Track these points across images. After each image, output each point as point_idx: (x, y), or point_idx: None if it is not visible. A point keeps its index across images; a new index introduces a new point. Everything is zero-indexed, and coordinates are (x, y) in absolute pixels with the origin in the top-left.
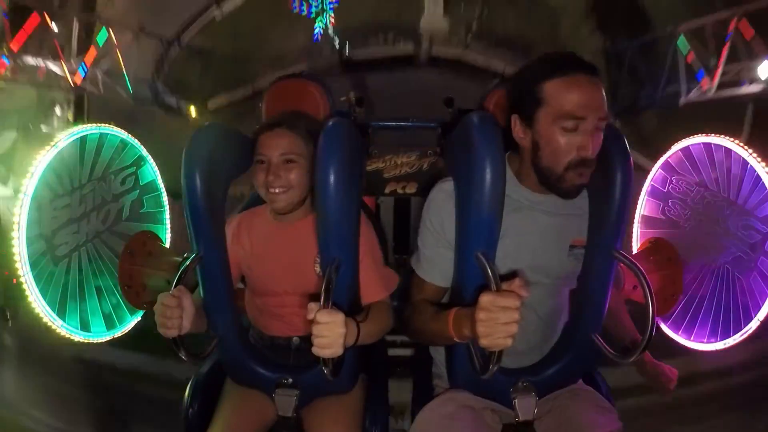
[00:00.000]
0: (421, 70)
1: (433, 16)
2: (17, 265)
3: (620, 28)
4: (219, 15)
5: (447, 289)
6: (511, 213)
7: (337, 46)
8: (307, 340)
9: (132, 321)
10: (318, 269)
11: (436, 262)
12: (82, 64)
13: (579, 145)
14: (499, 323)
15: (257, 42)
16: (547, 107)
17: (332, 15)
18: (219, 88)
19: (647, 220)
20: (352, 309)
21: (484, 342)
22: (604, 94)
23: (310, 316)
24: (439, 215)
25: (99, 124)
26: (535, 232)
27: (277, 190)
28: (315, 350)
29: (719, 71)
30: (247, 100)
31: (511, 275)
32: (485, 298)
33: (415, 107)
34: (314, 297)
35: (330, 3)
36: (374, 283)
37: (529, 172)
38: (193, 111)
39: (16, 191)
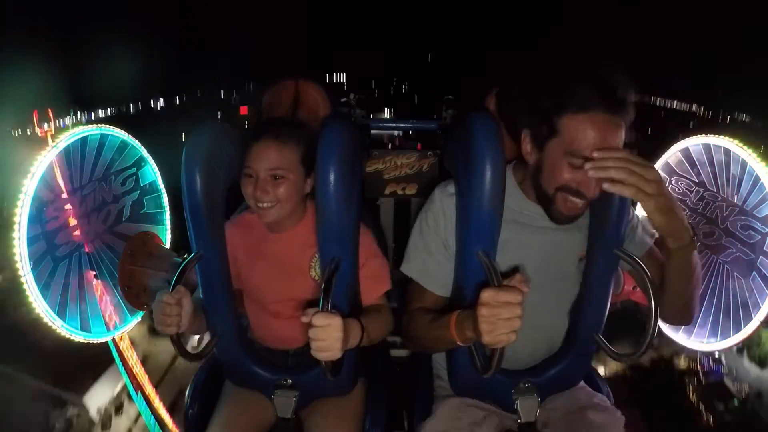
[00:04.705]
0: None
1: None
2: (18, 265)
3: None
4: None
5: (446, 299)
6: (513, 227)
7: None
8: (303, 349)
9: (132, 321)
10: (313, 274)
11: (437, 271)
12: None
13: (580, 181)
14: (501, 319)
15: None
16: (560, 140)
17: None
18: None
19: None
20: (353, 308)
21: (486, 339)
22: (623, 131)
23: (306, 320)
24: (440, 216)
25: (100, 125)
26: (538, 246)
27: (265, 205)
28: (313, 353)
29: None
30: None
31: (512, 272)
32: (487, 294)
33: None
34: (312, 303)
35: None
36: (373, 280)
37: (531, 185)
38: None
39: None
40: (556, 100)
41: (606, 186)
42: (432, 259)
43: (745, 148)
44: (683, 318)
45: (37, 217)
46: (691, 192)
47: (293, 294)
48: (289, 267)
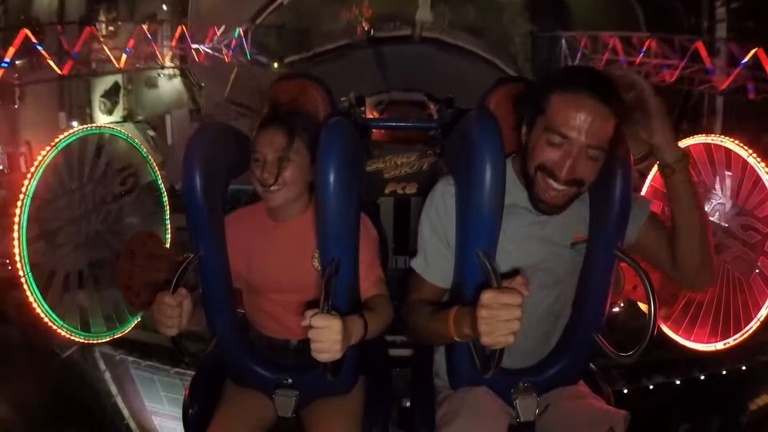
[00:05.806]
0: (415, 45)
1: (423, 11)
2: (17, 265)
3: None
4: (286, 0)
5: (446, 290)
6: (511, 215)
7: (365, 28)
8: (305, 343)
9: (132, 321)
10: (317, 264)
11: (437, 263)
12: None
13: (555, 162)
14: (500, 320)
15: (313, 19)
16: (543, 117)
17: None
18: (288, 51)
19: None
20: (353, 307)
21: (485, 340)
22: (608, 124)
23: (306, 323)
24: (441, 210)
25: (100, 125)
26: (536, 233)
27: (272, 188)
28: (313, 354)
29: None
30: (306, 60)
31: (512, 273)
32: (487, 296)
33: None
34: (313, 302)
35: None
36: (371, 277)
37: (521, 170)
38: (275, 65)
39: None
40: (549, 80)
41: None
42: (434, 249)
43: (745, 148)
44: (703, 269)
45: (37, 217)
46: None
47: (297, 283)
48: (293, 256)
